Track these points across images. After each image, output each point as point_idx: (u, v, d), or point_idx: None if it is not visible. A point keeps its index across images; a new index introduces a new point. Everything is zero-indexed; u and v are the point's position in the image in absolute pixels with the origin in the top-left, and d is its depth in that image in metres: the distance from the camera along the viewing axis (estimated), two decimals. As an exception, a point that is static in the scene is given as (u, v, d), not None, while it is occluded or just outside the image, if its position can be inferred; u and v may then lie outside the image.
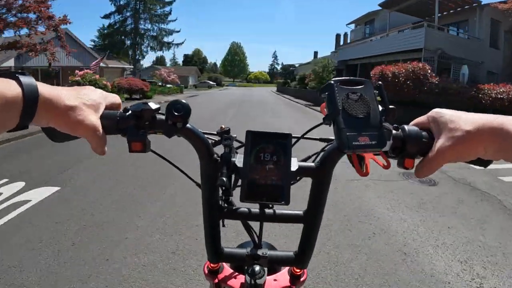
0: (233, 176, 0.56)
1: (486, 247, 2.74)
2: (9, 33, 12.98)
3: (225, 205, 0.61)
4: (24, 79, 0.39)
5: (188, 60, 78.26)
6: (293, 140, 0.60)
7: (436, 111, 0.50)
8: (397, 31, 18.02)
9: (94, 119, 0.46)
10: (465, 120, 0.45)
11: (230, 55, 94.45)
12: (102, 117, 0.48)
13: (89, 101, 0.46)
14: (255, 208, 0.61)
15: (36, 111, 0.40)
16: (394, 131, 0.50)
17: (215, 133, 0.61)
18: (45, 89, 0.41)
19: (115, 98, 0.53)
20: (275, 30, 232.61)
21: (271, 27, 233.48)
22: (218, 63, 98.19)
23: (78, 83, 12.67)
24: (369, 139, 0.46)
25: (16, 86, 0.38)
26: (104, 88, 11.07)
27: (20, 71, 0.41)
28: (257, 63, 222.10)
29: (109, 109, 0.52)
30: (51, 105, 0.42)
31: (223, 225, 0.63)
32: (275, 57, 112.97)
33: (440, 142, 0.46)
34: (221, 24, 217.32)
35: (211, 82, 53.96)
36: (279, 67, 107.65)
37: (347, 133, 0.46)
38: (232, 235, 2.60)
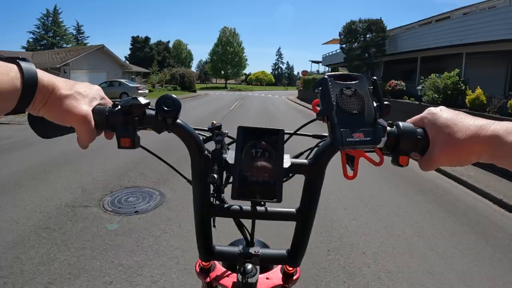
0: (224, 172, 0.55)
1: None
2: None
3: (217, 202, 0.60)
4: (25, 65, 0.40)
5: (139, 46, 45.83)
6: (286, 136, 0.59)
7: (432, 112, 0.49)
8: None
9: (85, 108, 0.46)
10: (460, 127, 0.45)
11: (220, 46, 63.12)
12: (92, 112, 0.47)
13: (83, 93, 0.47)
14: (247, 205, 0.59)
15: (34, 97, 0.41)
16: (388, 128, 0.50)
17: (207, 129, 0.60)
18: (44, 77, 0.42)
19: (109, 100, 0.52)
20: (276, 28, 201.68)
21: (271, 25, 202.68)
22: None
23: None
24: (364, 135, 0.45)
25: (17, 71, 0.39)
26: None
27: (21, 57, 0.41)
28: (257, 66, 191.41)
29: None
30: (47, 92, 0.42)
31: (214, 226, 0.62)
32: (279, 54, 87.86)
33: (435, 149, 0.47)
34: (213, 20, 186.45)
35: (130, 84, 21.00)
36: (284, 66, 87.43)
37: (341, 129, 0.45)
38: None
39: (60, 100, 0.43)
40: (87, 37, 50.82)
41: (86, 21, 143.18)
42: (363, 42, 15.92)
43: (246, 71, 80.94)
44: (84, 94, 0.46)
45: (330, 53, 27.07)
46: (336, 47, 26.33)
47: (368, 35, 15.81)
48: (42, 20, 45.59)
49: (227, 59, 63.86)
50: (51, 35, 45.66)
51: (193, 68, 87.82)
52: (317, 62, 43.38)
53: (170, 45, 54.49)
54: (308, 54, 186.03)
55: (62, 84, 0.44)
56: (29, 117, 0.47)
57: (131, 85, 20.25)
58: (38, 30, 45.43)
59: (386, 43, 15.52)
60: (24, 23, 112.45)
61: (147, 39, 47.07)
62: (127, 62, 38.41)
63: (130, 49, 47.11)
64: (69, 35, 47.75)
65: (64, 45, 45.01)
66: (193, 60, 71.94)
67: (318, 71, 42.95)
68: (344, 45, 16.92)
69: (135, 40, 46.94)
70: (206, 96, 30.10)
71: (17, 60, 0.40)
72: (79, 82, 0.48)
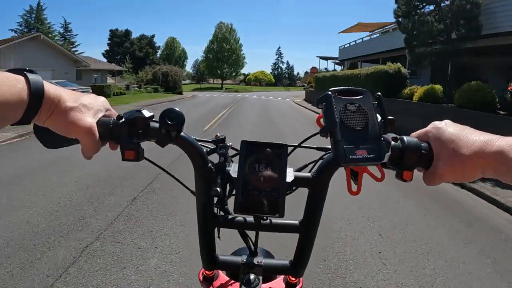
0: (227, 185, 0.56)
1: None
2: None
3: (221, 213, 0.61)
4: (32, 76, 0.41)
5: (118, 41, 39.44)
6: (289, 149, 0.59)
7: (436, 127, 0.49)
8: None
9: (90, 120, 0.46)
10: (465, 142, 0.45)
11: (216, 43, 57.28)
12: (96, 124, 0.48)
13: (88, 105, 0.47)
14: (250, 217, 0.60)
15: (40, 108, 0.42)
16: (393, 142, 0.50)
17: (210, 141, 0.61)
18: (50, 89, 0.43)
19: (114, 112, 0.53)
20: (275, 28, 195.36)
21: (270, 24, 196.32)
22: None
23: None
24: (367, 152, 0.45)
25: (24, 82, 0.40)
26: None
27: (28, 68, 0.42)
28: (256, 66, 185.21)
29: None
30: (53, 104, 0.43)
31: (218, 237, 0.63)
32: (279, 54, 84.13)
33: (439, 164, 0.47)
34: (211, 22, 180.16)
35: (66, 87, 14.45)
36: (284, 66, 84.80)
37: (344, 146, 0.45)
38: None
39: (65, 112, 0.44)
40: (75, 35, 45.42)
41: (74, 18, 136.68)
42: (440, 13, 8.54)
43: (245, 71, 75.62)
44: (89, 106, 0.47)
45: (353, 43, 20.77)
46: (358, 36, 20.16)
47: (443, 4, 8.88)
48: (25, 17, 41.16)
49: (223, 57, 58.10)
50: (34, 32, 40.48)
51: (188, 67, 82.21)
52: (326, 58, 37.22)
53: (159, 41, 48.40)
54: (309, 53, 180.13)
55: (67, 96, 0.45)
56: (35, 127, 0.47)
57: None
58: (20, 28, 40.96)
59: (481, 15, 8.45)
60: (8, 21, 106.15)
61: (127, 32, 40.88)
62: (105, 58, 32.11)
63: (108, 44, 40.92)
64: (54, 33, 43.12)
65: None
66: (188, 59, 66.15)
67: (326, 68, 36.74)
68: (401, 19, 9.76)
69: (113, 34, 40.70)
70: (190, 100, 23.96)
71: (25, 72, 0.41)
72: (84, 94, 0.49)
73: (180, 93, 31.25)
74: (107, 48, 41.00)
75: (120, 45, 39.36)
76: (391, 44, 15.45)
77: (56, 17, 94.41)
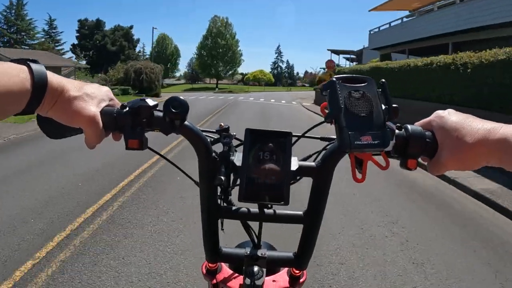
0: (231, 175, 0.56)
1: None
2: None
3: (224, 204, 0.61)
4: (35, 66, 0.41)
5: (86, 33, 32.85)
6: (294, 139, 0.60)
7: (440, 115, 0.49)
8: None
9: (93, 109, 0.46)
10: (468, 130, 0.45)
11: (210, 38, 51.16)
12: (100, 113, 0.48)
13: (91, 94, 0.47)
14: (254, 207, 0.60)
15: (43, 98, 0.42)
16: (397, 131, 0.50)
17: (214, 131, 0.61)
18: (53, 78, 0.43)
19: (117, 101, 0.53)
20: (275, 27, 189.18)
21: (270, 23, 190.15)
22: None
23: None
24: (372, 138, 0.45)
25: (27, 72, 0.40)
26: None
27: (31, 58, 0.42)
28: (256, 66, 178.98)
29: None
30: (56, 94, 0.43)
31: (222, 229, 0.63)
32: (279, 52, 79.24)
33: (443, 152, 0.47)
34: (206, 19, 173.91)
35: None
36: (283, 65, 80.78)
37: (349, 132, 0.45)
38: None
39: (68, 101, 0.44)
40: (61, 32, 39.55)
41: (60, 15, 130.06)
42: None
43: (244, 70, 69.80)
44: (93, 96, 0.47)
45: (396, 22, 14.21)
46: (390, 18, 13.90)
47: None
48: (5, 13, 38.02)
49: (217, 53, 51.85)
50: (14, 30, 37.27)
51: (183, 67, 76.31)
52: (338, 53, 31.08)
53: (144, 35, 42.14)
54: (309, 53, 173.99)
55: (70, 86, 0.45)
56: (38, 117, 0.47)
57: None
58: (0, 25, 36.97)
59: None
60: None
61: (99, 23, 34.14)
62: (73, 53, 26.01)
63: (77, 37, 34.34)
64: (35, 30, 39.10)
65: (29, 41, 37.17)
66: (181, 57, 60.09)
67: (338, 64, 30.52)
68: None
69: (82, 25, 34.08)
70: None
71: (28, 62, 0.41)
72: (88, 83, 0.49)
73: (157, 95, 24.98)
74: (76, 41, 34.69)
75: (89, 37, 33.00)
76: (464, 20, 9.26)
77: (40, 13, 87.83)
